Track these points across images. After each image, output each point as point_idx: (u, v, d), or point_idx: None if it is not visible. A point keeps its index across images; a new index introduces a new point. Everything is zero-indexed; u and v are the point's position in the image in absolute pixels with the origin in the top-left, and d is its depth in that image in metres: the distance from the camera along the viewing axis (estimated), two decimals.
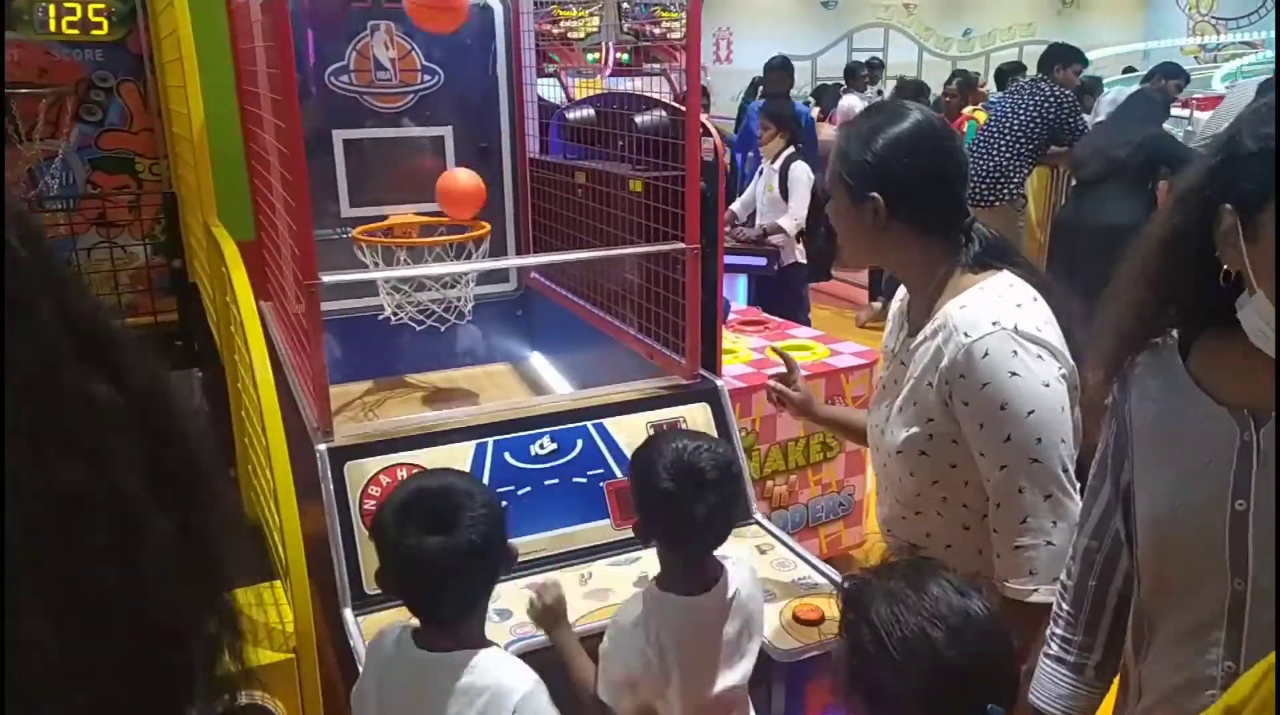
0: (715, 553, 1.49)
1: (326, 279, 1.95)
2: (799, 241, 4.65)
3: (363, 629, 1.82)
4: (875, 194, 1.44)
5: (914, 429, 1.46)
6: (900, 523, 1.58)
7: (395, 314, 2.82)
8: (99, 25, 2.84)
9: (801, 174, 4.64)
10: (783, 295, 4.70)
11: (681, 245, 2.30)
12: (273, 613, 1.62)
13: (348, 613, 1.84)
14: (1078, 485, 1.38)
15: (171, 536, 0.91)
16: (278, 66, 1.78)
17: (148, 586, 0.94)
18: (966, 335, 1.36)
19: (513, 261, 2.96)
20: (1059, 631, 1.28)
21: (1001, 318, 1.36)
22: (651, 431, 2.22)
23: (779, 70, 6.52)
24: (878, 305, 6.56)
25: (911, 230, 1.47)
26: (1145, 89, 5.28)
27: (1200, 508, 1.04)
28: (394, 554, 1.33)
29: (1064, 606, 1.28)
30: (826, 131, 8.68)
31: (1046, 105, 4.85)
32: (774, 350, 2.08)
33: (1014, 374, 1.33)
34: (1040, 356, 1.34)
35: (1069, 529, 1.34)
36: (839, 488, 3.18)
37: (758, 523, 2.21)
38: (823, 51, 14.13)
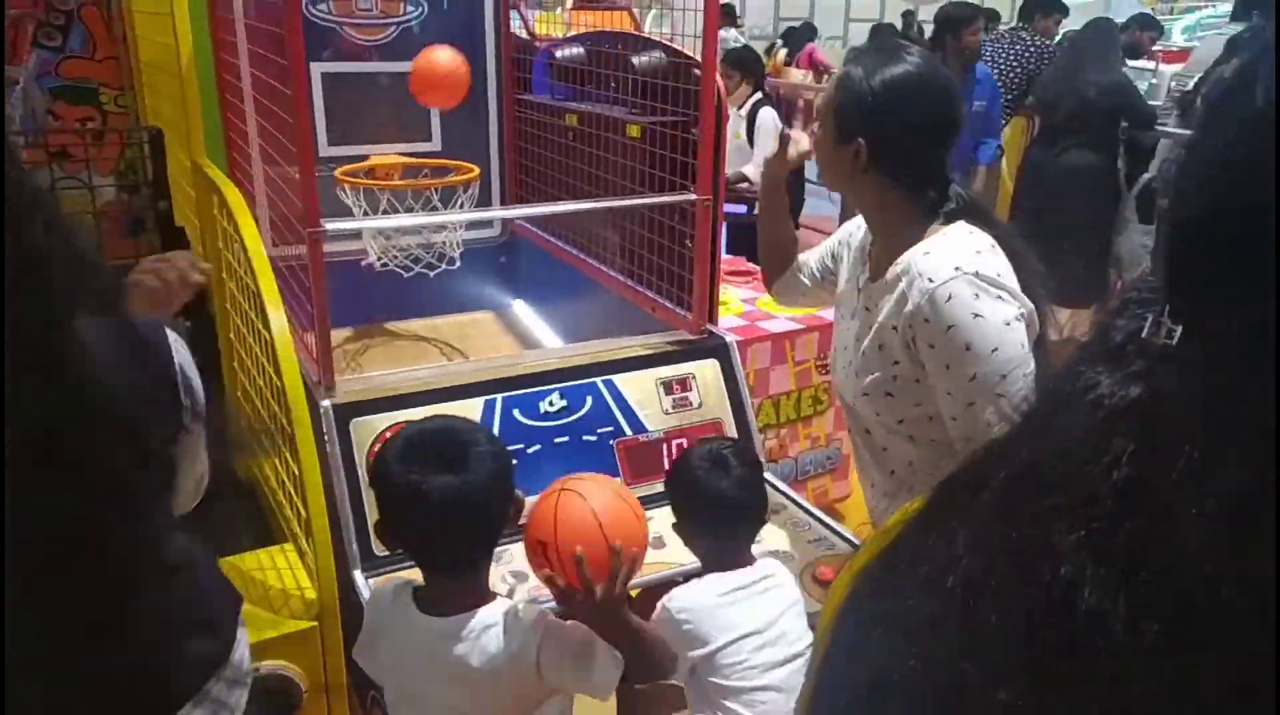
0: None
1: (330, 227, 1.84)
2: None
3: (372, 589, 1.77)
4: (860, 139, 1.46)
5: (879, 373, 1.52)
6: (882, 455, 1.62)
7: (380, 260, 2.71)
8: None
9: (768, 121, 4.60)
10: (755, 243, 4.66)
11: (692, 196, 2.23)
12: (288, 577, 1.56)
13: (358, 575, 1.78)
14: None
15: None
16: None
17: None
18: (930, 281, 1.41)
19: (513, 211, 2.86)
20: None
21: (963, 263, 1.40)
22: (661, 387, 2.18)
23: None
24: None
25: (889, 181, 1.50)
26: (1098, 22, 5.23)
27: None
28: (398, 496, 1.25)
29: None
30: (794, 76, 8.59)
31: (1027, 55, 4.81)
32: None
33: (977, 315, 1.38)
34: (1000, 297, 1.40)
35: None
36: (827, 442, 3.18)
37: (767, 481, 2.18)
38: None
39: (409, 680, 1.32)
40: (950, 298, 1.39)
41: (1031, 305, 1.43)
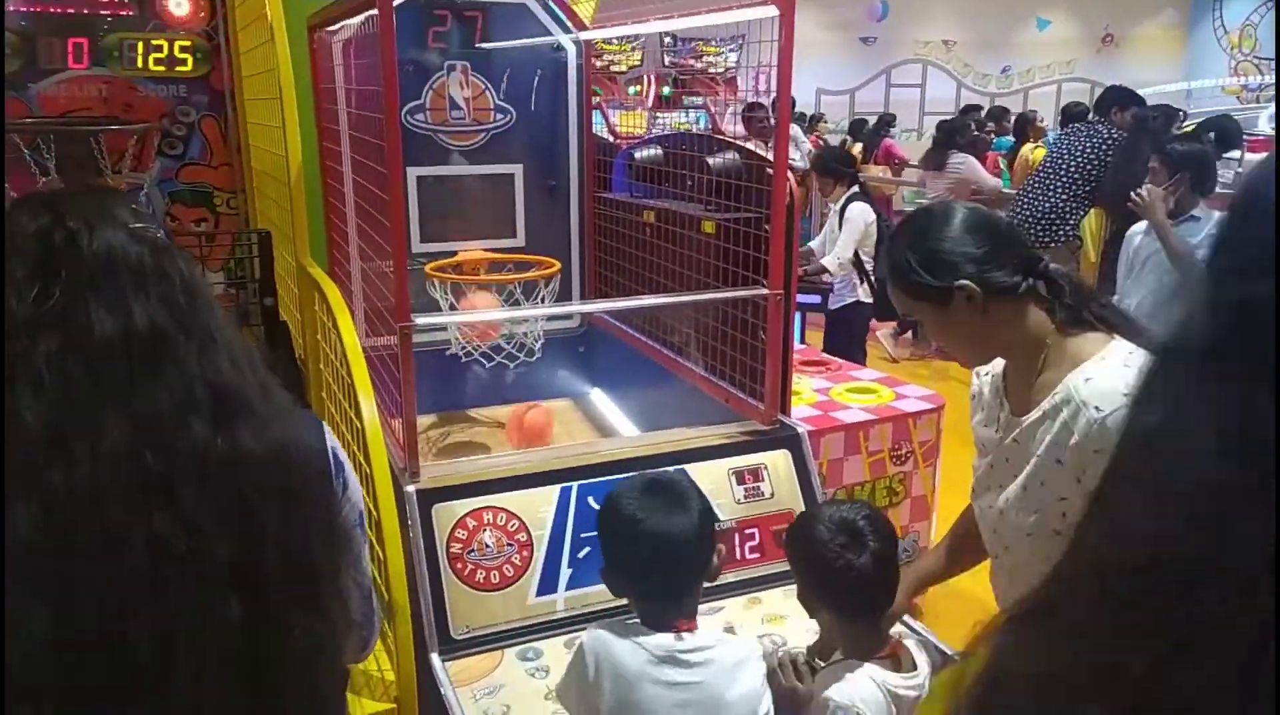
0: None
1: (420, 321, 1.96)
2: (862, 281, 4.64)
3: (450, 674, 1.81)
4: (963, 281, 1.42)
5: (1045, 509, 1.43)
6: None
7: (465, 350, 2.83)
8: (184, 62, 2.89)
9: (855, 213, 4.63)
10: (841, 335, 4.71)
11: (764, 291, 2.29)
12: (369, 660, 1.62)
13: (435, 658, 1.83)
14: None
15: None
16: (384, 114, 1.79)
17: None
18: (1098, 409, 1.34)
19: (591, 305, 2.96)
20: None
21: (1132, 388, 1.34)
22: (733, 477, 2.22)
23: None
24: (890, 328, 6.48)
25: (1008, 301, 1.44)
26: (1096, 124, 5.21)
27: None
28: (638, 538, 1.45)
29: None
30: (873, 171, 8.70)
31: (1104, 147, 4.82)
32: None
33: None
34: None
35: None
36: (904, 533, 3.14)
37: None
38: (861, 86, 14.18)
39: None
40: None
41: None
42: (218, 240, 2.81)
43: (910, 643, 1.56)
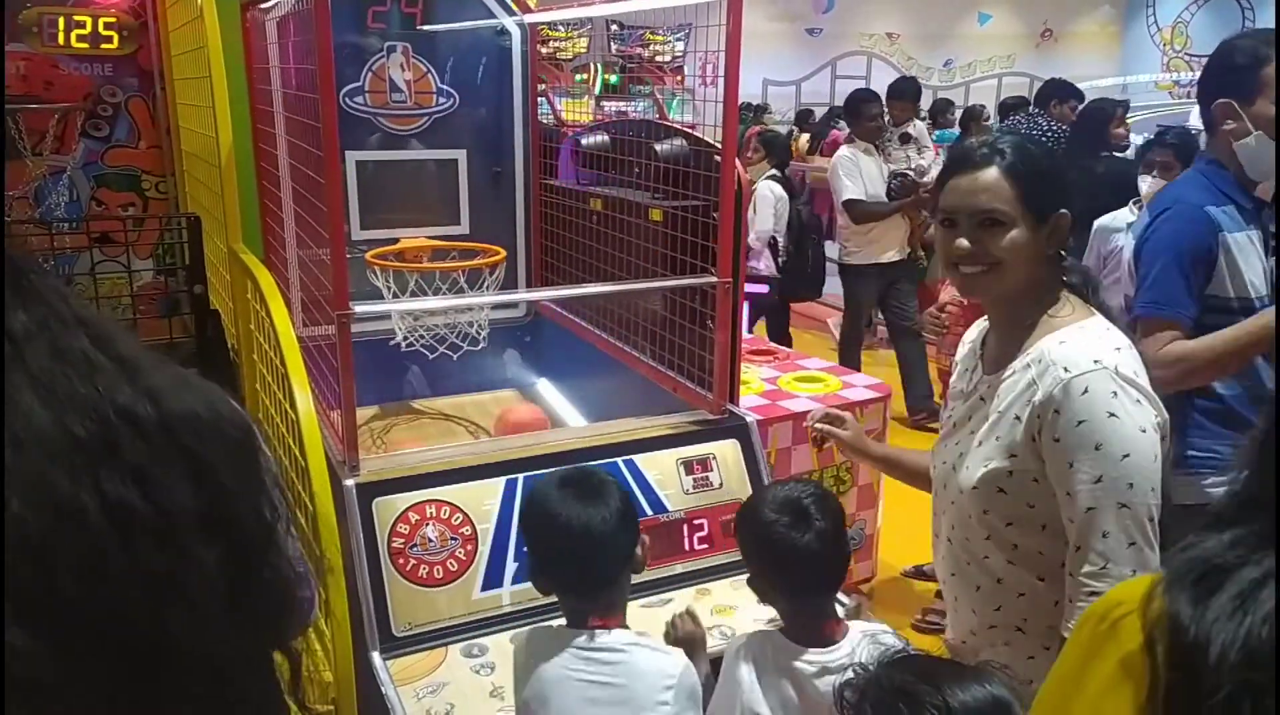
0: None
1: (358, 309, 1.89)
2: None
3: (391, 673, 1.76)
4: (1066, 211, 1.42)
5: (994, 464, 1.42)
6: (967, 569, 1.53)
7: (407, 339, 2.76)
8: (109, 39, 2.77)
9: (763, 188, 4.81)
10: (771, 319, 4.84)
11: (713, 279, 2.27)
12: (306, 660, 1.55)
13: (376, 656, 1.78)
14: (1158, 540, 1.36)
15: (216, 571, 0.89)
16: (318, 93, 1.72)
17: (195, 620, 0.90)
18: (1066, 370, 1.34)
19: (537, 293, 2.90)
20: None
21: (1103, 357, 1.34)
22: (682, 467, 2.19)
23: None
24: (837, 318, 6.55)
25: (1053, 254, 1.45)
26: (1036, 116, 5.28)
27: None
28: (556, 531, 1.45)
29: None
30: (819, 162, 8.73)
31: (1044, 139, 4.88)
32: (815, 428, 1.98)
33: (1112, 415, 1.31)
34: (1139, 401, 1.32)
35: None
36: (850, 522, 3.15)
37: None
38: (807, 78, 14.26)
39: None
40: (1086, 391, 1.32)
41: (1167, 415, 1.36)
42: (146, 225, 2.70)
43: (855, 626, 1.53)
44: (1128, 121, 4.99)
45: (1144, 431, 1.31)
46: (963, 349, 1.64)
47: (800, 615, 1.50)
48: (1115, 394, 1.31)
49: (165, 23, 2.74)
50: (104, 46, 2.77)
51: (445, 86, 3.09)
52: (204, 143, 2.31)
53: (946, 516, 1.57)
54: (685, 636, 1.65)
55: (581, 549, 1.46)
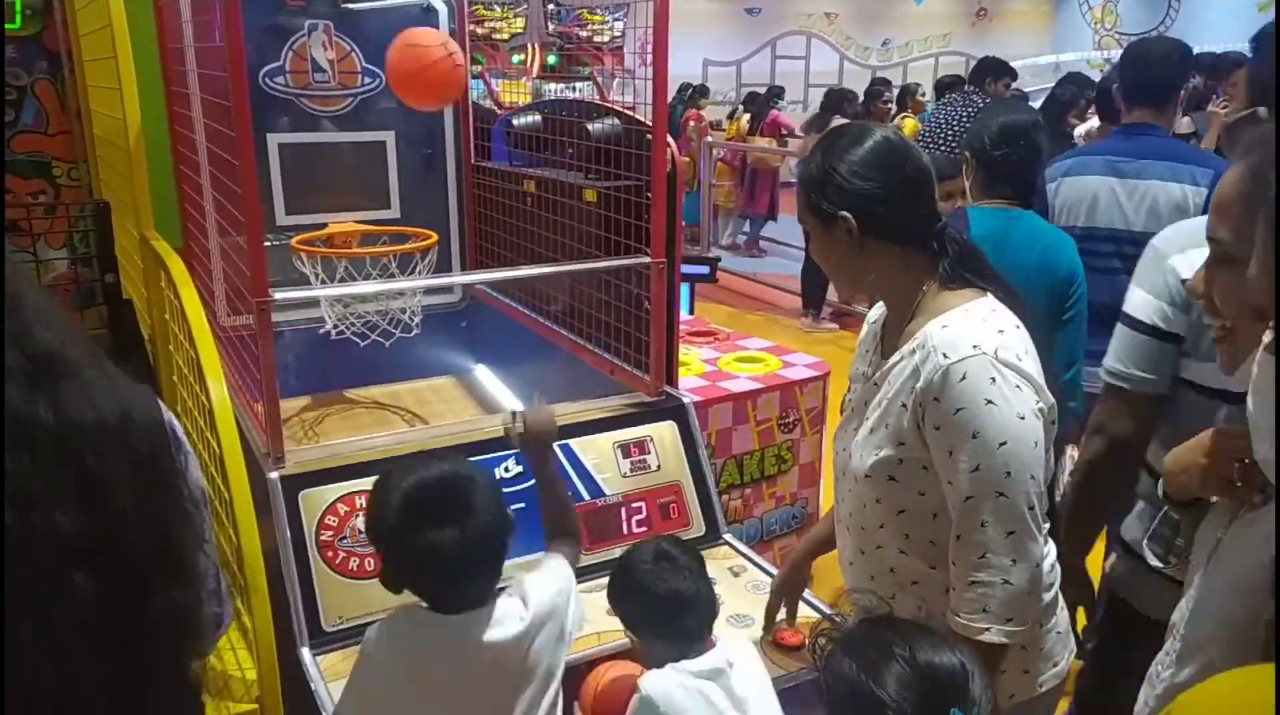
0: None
1: (279, 296, 1.83)
2: None
3: (321, 669, 1.71)
4: (845, 213, 1.40)
5: (884, 452, 1.41)
6: (861, 559, 1.52)
7: (337, 327, 2.69)
8: (11, 18, 2.64)
9: None
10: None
11: (646, 259, 2.24)
12: (229, 658, 1.50)
13: (305, 652, 1.73)
14: (1045, 525, 1.36)
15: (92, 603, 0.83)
16: (228, 71, 1.65)
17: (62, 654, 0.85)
18: (945, 356, 1.32)
19: (470, 276, 2.84)
20: None
21: (983, 342, 1.31)
22: (618, 450, 2.16)
23: None
24: (808, 320, 6.63)
25: (886, 244, 1.42)
26: (972, 94, 5.33)
27: None
28: (408, 553, 1.29)
29: None
30: (759, 142, 8.75)
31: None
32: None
33: (989, 402, 1.28)
34: (1019, 386, 1.30)
35: (1028, 569, 1.31)
36: (793, 500, 3.16)
37: (727, 543, 2.16)
38: (748, 57, 14.26)
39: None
40: (964, 377, 1.29)
41: (1053, 400, 1.34)
42: (59, 213, 2.59)
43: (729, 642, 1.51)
44: (1087, 113, 5.01)
45: (1023, 418, 1.29)
46: (864, 329, 1.62)
47: (667, 652, 1.45)
48: (994, 380, 1.29)
49: (72, 1, 2.61)
50: (6, 25, 2.64)
51: (370, 66, 3.00)
52: (114, 126, 2.21)
53: (845, 503, 1.55)
54: (533, 431, 1.61)
55: (451, 575, 1.31)
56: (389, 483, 1.32)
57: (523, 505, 2.02)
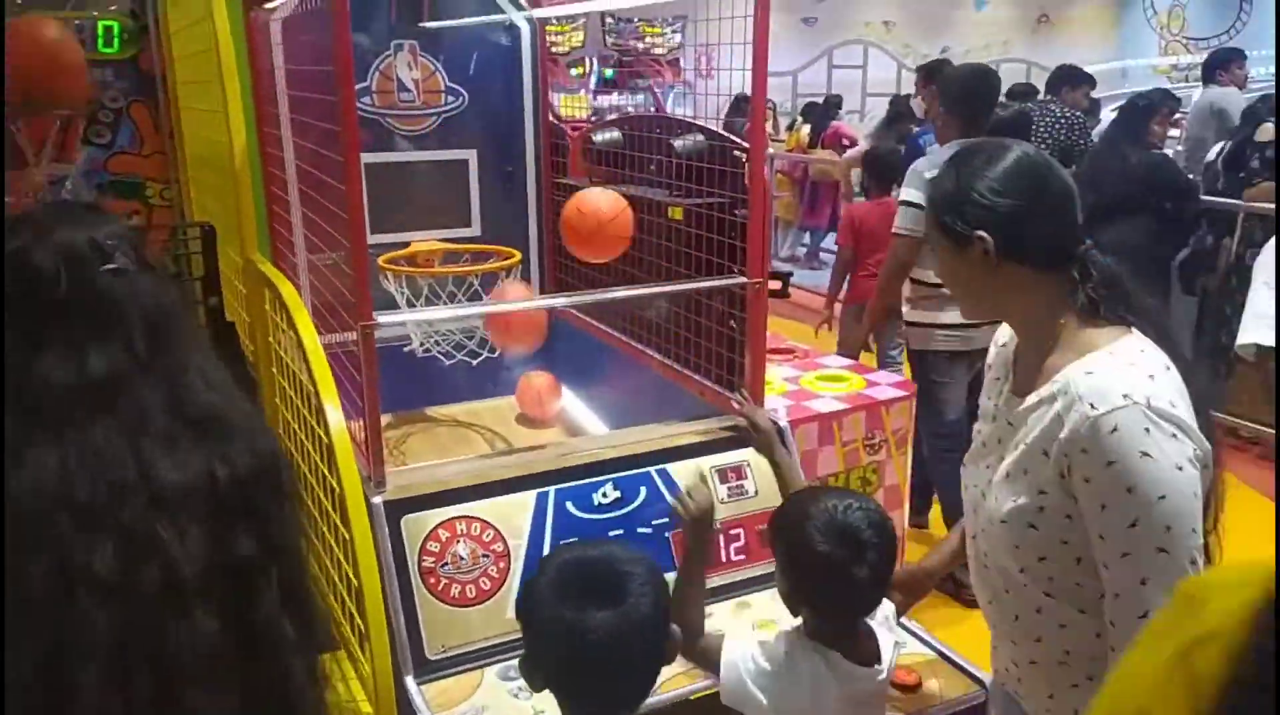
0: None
1: (383, 319, 1.82)
2: None
3: (427, 698, 1.69)
4: (982, 233, 1.34)
5: (1022, 500, 1.33)
6: (1005, 598, 1.44)
7: (423, 346, 2.69)
8: (109, 42, 2.69)
9: None
10: None
11: (742, 279, 2.20)
12: (340, 689, 1.49)
13: (410, 681, 1.71)
14: None
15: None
16: (338, 95, 1.65)
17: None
18: (1093, 406, 1.24)
19: (558, 299, 2.81)
20: None
21: (1133, 390, 1.23)
22: (715, 476, 2.12)
23: None
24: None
25: (1024, 268, 1.35)
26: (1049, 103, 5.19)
27: None
28: (553, 633, 1.16)
29: None
30: (820, 154, 8.65)
31: (1057, 127, 4.82)
32: None
33: (1145, 454, 1.21)
34: (1174, 435, 1.23)
35: None
36: None
37: None
38: (804, 68, 14.16)
39: None
40: (1116, 430, 1.22)
41: (1208, 445, 1.28)
42: (151, 236, 2.62)
43: (881, 633, 1.48)
44: (1175, 120, 4.86)
45: (1180, 469, 1.22)
46: (992, 352, 1.55)
47: (830, 627, 1.44)
48: (1148, 431, 1.22)
49: (167, 25, 2.65)
50: (104, 50, 2.68)
51: (453, 85, 3.01)
52: (212, 148, 2.23)
53: (979, 541, 1.48)
54: (698, 511, 1.51)
55: (593, 665, 1.16)
56: (544, 560, 1.25)
57: (620, 531, 2.00)
